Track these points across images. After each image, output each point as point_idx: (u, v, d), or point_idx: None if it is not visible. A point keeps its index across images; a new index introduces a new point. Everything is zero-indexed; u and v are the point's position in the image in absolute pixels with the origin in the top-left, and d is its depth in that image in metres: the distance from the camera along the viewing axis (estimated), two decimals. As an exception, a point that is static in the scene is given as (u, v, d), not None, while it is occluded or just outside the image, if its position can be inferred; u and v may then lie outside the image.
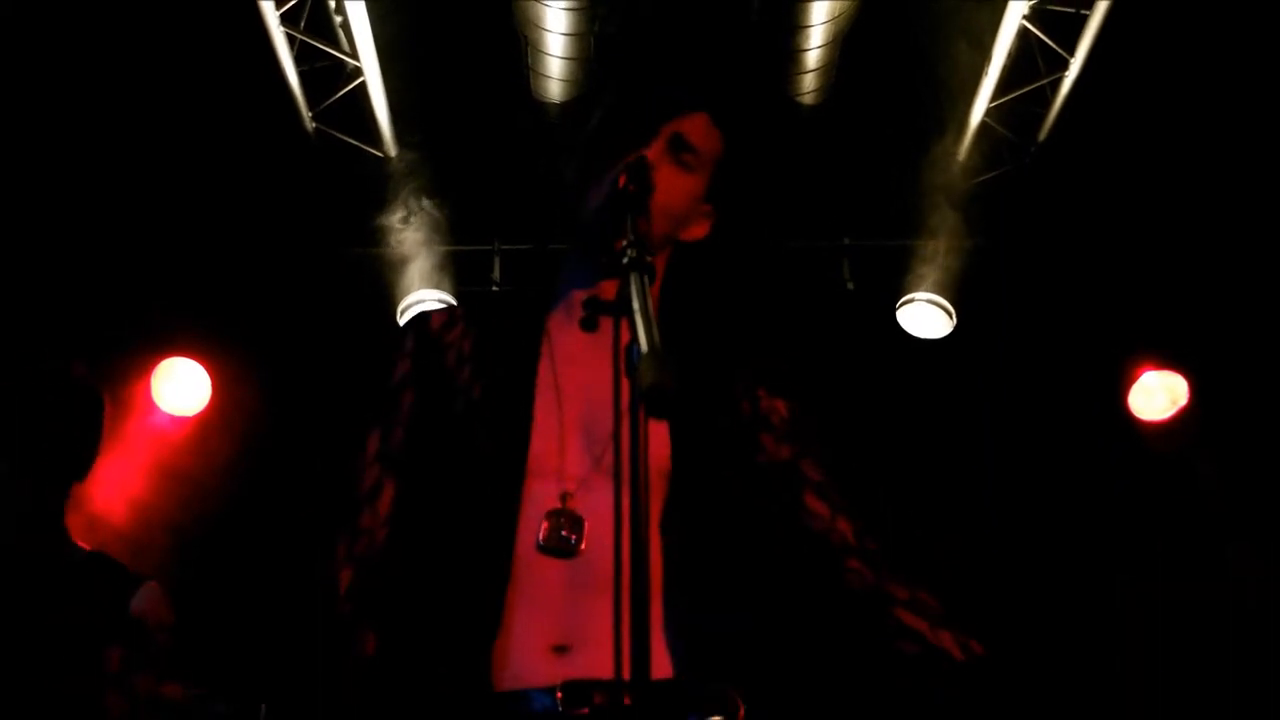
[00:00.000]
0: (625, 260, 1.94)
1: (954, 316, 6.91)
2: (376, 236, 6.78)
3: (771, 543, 2.32)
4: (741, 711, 2.00)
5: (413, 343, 2.45)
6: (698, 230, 2.48)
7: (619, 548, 1.77)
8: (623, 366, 1.83)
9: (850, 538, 2.33)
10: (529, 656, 2.08)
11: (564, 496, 2.18)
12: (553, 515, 2.16)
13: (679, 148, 2.37)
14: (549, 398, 2.28)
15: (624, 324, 1.89)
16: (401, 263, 6.83)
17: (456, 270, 7.00)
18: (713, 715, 2.04)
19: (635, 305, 1.84)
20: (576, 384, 2.28)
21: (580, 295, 2.30)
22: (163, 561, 6.12)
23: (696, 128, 2.40)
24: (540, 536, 2.15)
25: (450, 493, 2.25)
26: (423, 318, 2.50)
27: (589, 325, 2.00)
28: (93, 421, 3.33)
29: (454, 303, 6.87)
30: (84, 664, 3.14)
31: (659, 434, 2.25)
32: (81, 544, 3.34)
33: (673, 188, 2.33)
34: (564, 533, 2.15)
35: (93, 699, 3.12)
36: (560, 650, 2.06)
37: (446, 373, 2.37)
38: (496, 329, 2.42)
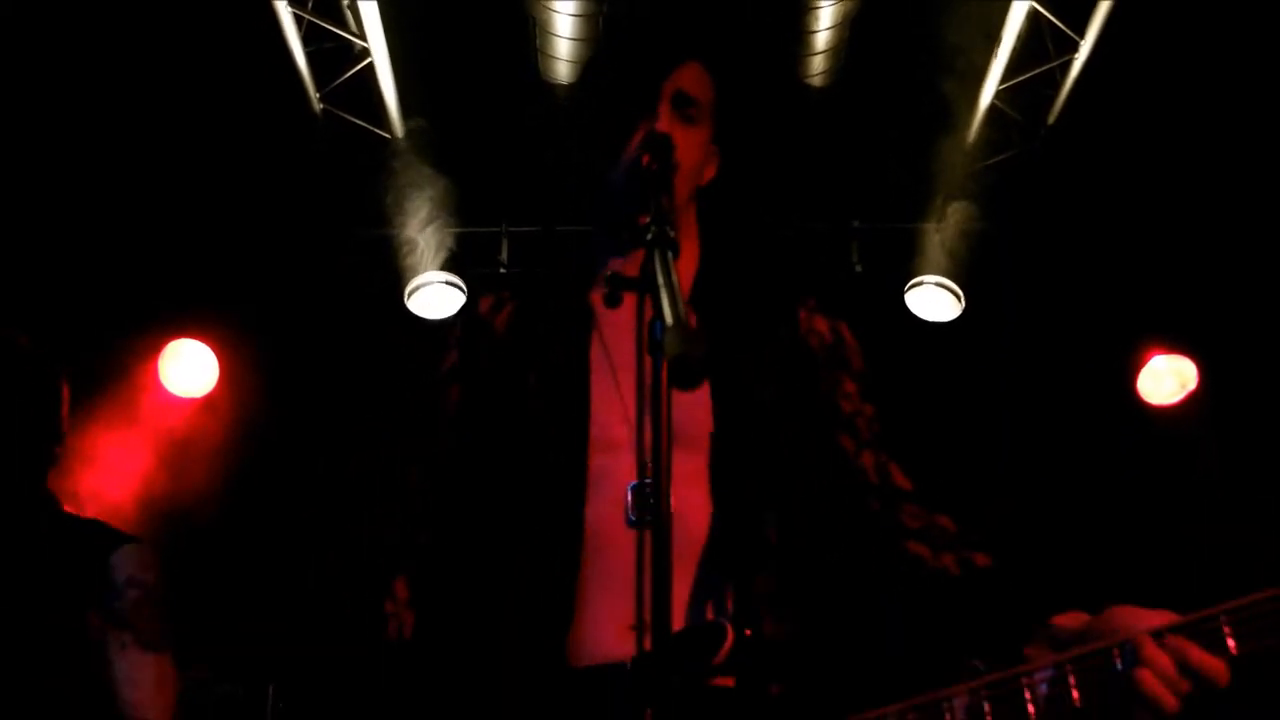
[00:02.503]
0: (649, 237, 1.94)
1: (962, 299, 6.90)
2: (384, 217, 6.77)
3: (804, 474, 2.31)
4: (730, 639, 1.98)
5: (461, 330, 2.46)
6: (709, 172, 2.49)
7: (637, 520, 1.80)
8: (645, 343, 1.85)
9: (871, 473, 2.33)
10: (607, 633, 2.08)
11: (642, 468, 2.12)
12: (637, 488, 2.13)
13: (682, 104, 2.37)
14: (606, 376, 2.27)
15: (646, 300, 1.91)
16: (408, 244, 6.82)
17: (464, 252, 6.99)
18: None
19: (659, 280, 1.85)
20: (631, 360, 2.23)
21: (611, 270, 2.30)
22: (169, 542, 6.12)
23: (691, 77, 2.40)
24: (630, 511, 2.14)
25: (512, 478, 2.24)
26: (471, 302, 2.52)
27: (612, 301, 2.00)
28: (52, 389, 3.30)
29: (462, 285, 6.89)
30: (68, 627, 3.11)
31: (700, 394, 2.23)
32: (74, 511, 3.32)
33: (687, 147, 2.33)
34: (652, 502, 2.14)
35: (79, 661, 3.09)
36: (636, 628, 2.05)
37: (497, 357, 2.37)
38: (544, 310, 2.42)
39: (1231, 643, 1.76)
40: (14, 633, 3.04)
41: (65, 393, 3.31)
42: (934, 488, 2.33)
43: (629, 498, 2.15)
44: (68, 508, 3.35)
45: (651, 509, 1.98)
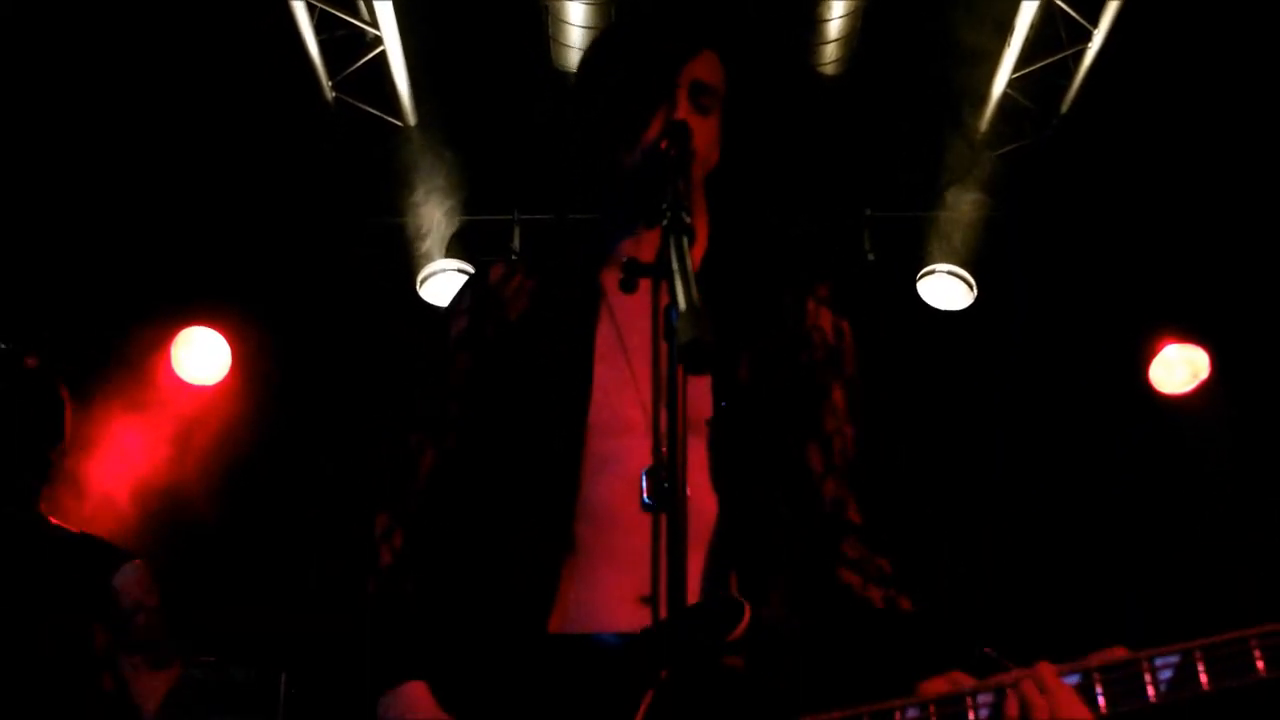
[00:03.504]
0: (665, 223, 1.96)
1: (974, 288, 6.89)
2: (396, 206, 6.78)
3: (798, 461, 2.32)
4: (746, 618, 1.98)
5: (471, 299, 2.47)
6: (715, 157, 2.48)
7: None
8: (661, 329, 1.87)
9: (827, 503, 2.31)
10: (613, 606, 2.09)
11: (657, 452, 2.16)
12: (652, 471, 2.14)
13: (698, 92, 2.38)
14: (619, 359, 2.28)
15: (661, 285, 1.92)
16: (421, 232, 6.83)
17: (476, 240, 6.99)
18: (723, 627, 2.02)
19: (674, 266, 1.88)
20: (646, 344, 2.24)
21: (625, 255, 2.30)
22: (181, 531, 6.15)
23: (707, 67, 2.41)
24: (644, 493, 2.15)
25: (511, 453, 2.26)
26: (481, 271, 2.53)
27: (628, 287, 2.01)
28: (52, 410, 3.32)
29: (471, 269, 6.89)
30: (73, 645, 3.13)
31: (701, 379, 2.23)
32: (67, 526, 3.33)
33: (702, 135, 2.34)
34: (666, 485, 2.09)
35: (87, 679, 3.11)
36: (647, 600, 2.05)
37: (505, 328, 2.38)
38: (554, 287, 2.42)
39: (1261, 664, 1.77)
40: (15, 647, 3.06)
41: (68, 410, 3.33)
42: (883, 529, 2.32)
43: (643, 481, 2.16)
44: (54, 520, 3.37)
45: (665, 493, 2.00)
